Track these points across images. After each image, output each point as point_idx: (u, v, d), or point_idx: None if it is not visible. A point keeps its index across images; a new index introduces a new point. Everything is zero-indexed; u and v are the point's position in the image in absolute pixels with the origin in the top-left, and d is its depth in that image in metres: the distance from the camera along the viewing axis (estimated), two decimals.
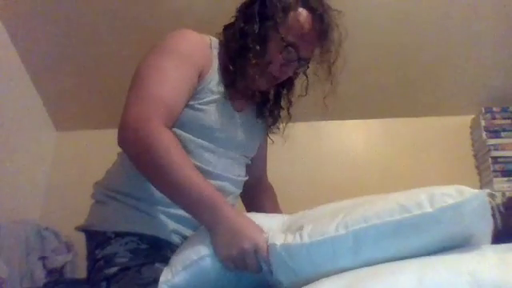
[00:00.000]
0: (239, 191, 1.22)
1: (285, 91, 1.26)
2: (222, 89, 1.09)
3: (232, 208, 0.92)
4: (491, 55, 1.96)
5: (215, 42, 1.13)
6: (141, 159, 0.93)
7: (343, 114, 2.18)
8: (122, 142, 0.95)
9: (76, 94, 2.15)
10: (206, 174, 1.02)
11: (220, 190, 1.03)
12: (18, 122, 2.03)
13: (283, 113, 1.28)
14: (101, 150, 2.17)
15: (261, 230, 0.86)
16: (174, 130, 1.02)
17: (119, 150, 1.18)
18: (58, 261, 1.83)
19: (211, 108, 1.07)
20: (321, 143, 2.19)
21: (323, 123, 2.19)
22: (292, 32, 1.07)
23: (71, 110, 2.21)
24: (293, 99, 1.27)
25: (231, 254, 0.84)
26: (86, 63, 2.05)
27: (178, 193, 0.91)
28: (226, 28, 1.16)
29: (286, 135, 1.29)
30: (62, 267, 1.86)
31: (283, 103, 1.27)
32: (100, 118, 2.18)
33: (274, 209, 1.37)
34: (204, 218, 0.89)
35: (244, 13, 1.12)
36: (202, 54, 1.07)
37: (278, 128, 1.29)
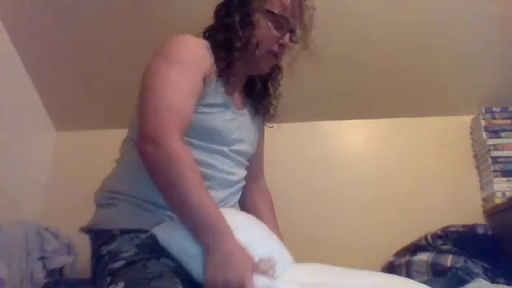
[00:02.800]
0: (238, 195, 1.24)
1: (273, 76, 1.30)
2: (222, 89, 1.11)
3: (235, 239, 0.92)
4: (491, 55, 1.96)
5: (208, 43, 1.15)
6: (159, 174, 0.95)
7: (343, 114, 2.18)
8: (143, 154, 0.97)
9: (76, 94, 2.15)
10: (210, 177, 1.06)
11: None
12: (18, 122, 2.03)
13: (274, 100, 1.31)
14: (101, 150, 2.17)
15: (253, 268, 0.88)
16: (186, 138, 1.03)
17: (119, 149, 1.18)
18: (57, 261, 1.83)
19: (216, 111, 1.09)
20: (321, 143, 2.19)
21: (323, 123, 2.19)
22: (276, 4, 1.13)
23: (71, 109, 2.21)
24: (280, 81, 1.31)
25: (216, 280, 0.86)
26: (85, 63, 2.05)
27: (186, 212, 0.94)
28: (207, 30, 1.20)
29: (278, 115, 1.32)
30: (62, 268, 1.86)
31: (271, 89, 1.31)
32: (100, 118, 2.18)
33: (268, 217, 1.36)
34: (205, 241, 0.91)
35: (223, 8, 1.17)
36: (203, 57, 1.09)
37: (274, 114, 1.32)
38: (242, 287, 0.84)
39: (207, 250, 0.90)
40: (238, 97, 1.20)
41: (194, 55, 1.06)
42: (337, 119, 2.20)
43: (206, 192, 0.95)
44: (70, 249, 1.92)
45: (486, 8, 1.80)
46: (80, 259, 1.93)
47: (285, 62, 1.27)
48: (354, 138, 2.23)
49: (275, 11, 1.12)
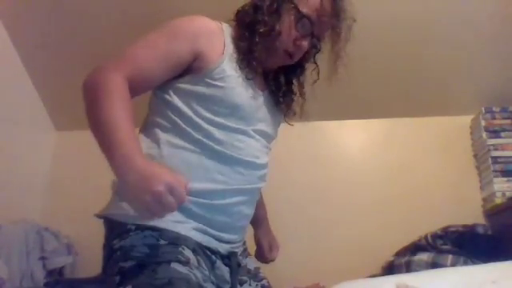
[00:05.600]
0: (263, 184, 1.18)
1: (296, 76, 1.25)
2: (238, 71, 1.09)
3: (144, 157, 0.86)
4: (491, 56, 1.96)
5: (227, 27, 1.13)
6: (85, 98, 0.98)
7: (343, 114, 2.18)
8: (82, 86, 1.00)
9: (76, 94, 2.13)
10: (235, 161, 1.04)
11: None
12: (18, 122, 2.03)
13: (296, 98, 1.26)
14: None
15: (174, 173, 0.82)
16: (207, 114, 1.03)
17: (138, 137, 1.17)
18: (57, 261, 1.83)
19: (233, 85, 1.07)
20: (321, 143, 2.19)
21: (323, 123, 2.19)
22: (308, 5, 1.09)
23: (71, 110, 2.19)
24: (304, 82, 1.25)
25: (145, 200, 0.79)
26: (86, 63, 2.04)
27: (98, 130, 0.93)
28: (238, 12, 1.17)
29: (305, 114, 1.26)
30: (62, 268, 1.86)
31: (295, 88, 1.25)
32: None
33: (260, 204, 1.33)
34: (115, 163, 0.85)
35: None
36: (206, 35, 1.07)
37: (294, 113, 1.27)
38: (171, 189, 0.78)
39: (120, 176, 0.84)
40: (258, 79, 1.15)
41: (189, 29, 1.05)
42: (337, 119, 2.20)
43: (126, 112, 0.91)
44: (69, 249, 1.92)
45: (486, 8, 1.80)
46: (80, 259, 1.94)
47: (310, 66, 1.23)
48: (354, 138, 2.24)
49: (302, 10, 1.08)
